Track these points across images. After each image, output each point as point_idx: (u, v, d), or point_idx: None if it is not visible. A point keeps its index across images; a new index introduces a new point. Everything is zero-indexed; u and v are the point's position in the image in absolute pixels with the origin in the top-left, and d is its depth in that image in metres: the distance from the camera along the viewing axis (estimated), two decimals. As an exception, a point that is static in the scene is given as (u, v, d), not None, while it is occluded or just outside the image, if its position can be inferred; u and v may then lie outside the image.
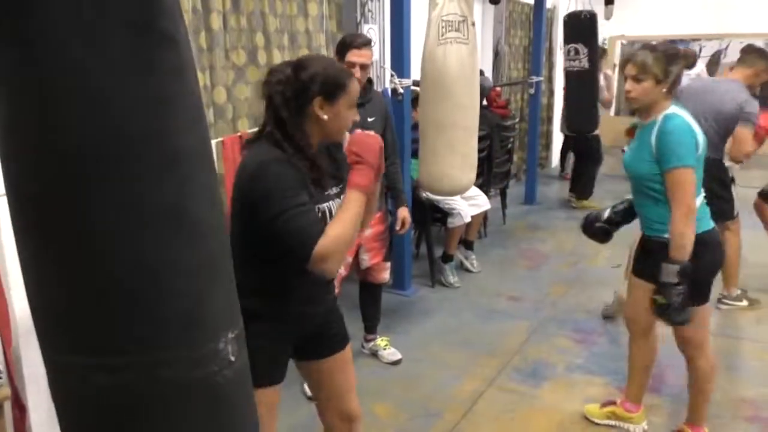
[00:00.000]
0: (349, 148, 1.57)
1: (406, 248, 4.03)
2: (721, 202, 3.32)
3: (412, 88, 3.88)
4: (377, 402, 2.83)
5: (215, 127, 3.16)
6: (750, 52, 3.54)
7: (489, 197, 4.62)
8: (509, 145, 5.68)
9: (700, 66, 9.12)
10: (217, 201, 0.88)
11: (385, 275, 3.13)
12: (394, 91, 3.75)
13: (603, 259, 4.67)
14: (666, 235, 2.13)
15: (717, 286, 3.66)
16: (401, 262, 4.00)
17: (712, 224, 2.24)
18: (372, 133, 1.61)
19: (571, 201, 6.27)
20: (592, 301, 3.89)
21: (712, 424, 2.60)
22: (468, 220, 4.14)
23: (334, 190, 1.68)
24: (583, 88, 5.39)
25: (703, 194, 2.21)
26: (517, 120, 6.24)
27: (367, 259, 2.98)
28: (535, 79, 6.07)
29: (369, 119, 2.81)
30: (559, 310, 3.80)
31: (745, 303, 3.73)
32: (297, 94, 1.57)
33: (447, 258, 4.26)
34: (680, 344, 2.37)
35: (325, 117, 1.58)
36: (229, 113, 3.26)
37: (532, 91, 6.14)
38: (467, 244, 4.52)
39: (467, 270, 4.46)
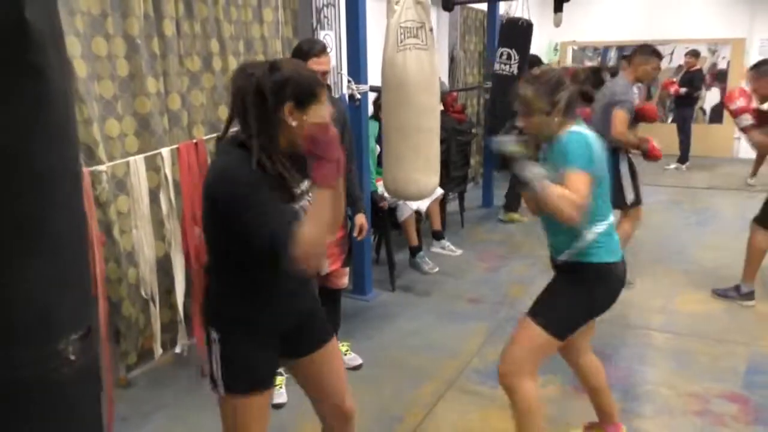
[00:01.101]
0: (305, 145, 1.52)
1: (366, 253, 4.05)
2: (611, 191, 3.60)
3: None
4: (339, 408, 2.83)
5: (170, 134, 3.12)
6: (635, 49, 3.96)
7: (447, 201, 4.67)
8: (466, 150, 5.75)
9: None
10: (78, 216, 0.95)
11: (345, 281, 3.13)
12: (351, 96, 3.77)
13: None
14: (586, 259, 2.04)
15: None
16: (361, 267, 4.01)
17: (615, 259, 2.08)
18: (325, 123, 1.55)
19: (498, 213, 6.05)
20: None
21: (662, 420, 2.69)
22: (414, 208, 4.19)
23: (305, 186, 1.65)
24: (506, 95, 5.47)
25: (610, 221, 2.09)
26: (473, 124, 6.34)
27: (326, 265, 2.97)
28: (490, 84, 6.17)
29: None
30: (517, 311, 3.87)
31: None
32: (269, 95, 1.51)
33: (414, 251, 4.29)
34: (502, 366, 2.12)
35: (294, 123, 1.54)
36: (184, 120, 3.22)
37: (487, 96, 6.24)
38: (436, 235, 4.54)
39: (450, 255, 4.45)
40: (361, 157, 3.81)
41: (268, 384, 1.72)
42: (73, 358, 0.90)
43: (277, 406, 2.83)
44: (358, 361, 3.20)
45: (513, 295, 4.11)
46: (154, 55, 3.01)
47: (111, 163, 2.76)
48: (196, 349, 3.00)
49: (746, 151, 8.98)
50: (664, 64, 9.23)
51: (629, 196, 3.91)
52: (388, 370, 3.16)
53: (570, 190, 1.89)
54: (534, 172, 1.92)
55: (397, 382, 3.04)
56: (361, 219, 3.08)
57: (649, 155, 3.86)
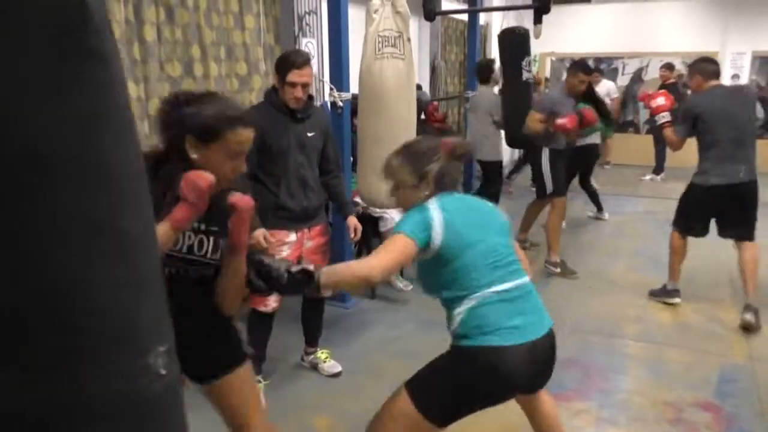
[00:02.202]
0: (180, 185, 1.52)
1: (347, 260, 4.04)
2: (537, 183, 4.79)
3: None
4: (317, 415, 2.82)
5: (151, 140, 3.10)
6: (569, 65, 4.65)
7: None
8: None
9: (625, 81, 9.61)
10: (148, 216, 0.87)
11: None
12: (334, 104, 3.78)
13: (535, 269, 4.83)
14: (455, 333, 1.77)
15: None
16: (341, 274, 4.01)
17: (503, 342, 1.68)
18: (205, 174, 1.53)
19: None
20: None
21: (637, 428, 2.73)
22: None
23: (200, 227, 1.68)
24: (530, 100, 5.53)
25: (489, 294, 1.72)
26: (454, 134, 6.38)
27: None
28: (470, 93, 6.22)
29: (309, 134, 2.82)
30: (495, 319, 3.90)
31: (558, 270, 4.64)
32: (174, 125, 1.57)
33: None
34: None
35: (194, 156, 1.57)
36: (164, 126, 3.20)
37: (468, 105, 6.29)
38: None
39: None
40: (344, 164, 3.82)
41: None
42: (163, 372, 0.84)
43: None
44: (338, 368, 3.19)
45: (492, 304, 4.13)
46: (134, 60, 2.99)
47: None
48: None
49: (719, 162, 9.19)
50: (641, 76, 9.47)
51: (549, 186, 4.57)
52: (368, 378, 3.16)
53: (383, 246, 1.75)
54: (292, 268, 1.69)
55: (376, 390, 3.03)
56: (353, 221, 3.11)
57: (561, 130, 4.32)
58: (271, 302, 2.86)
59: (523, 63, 5.48)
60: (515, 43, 5.53)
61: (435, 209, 1.78)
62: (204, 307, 1.75)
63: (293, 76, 2.66)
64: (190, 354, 1.74)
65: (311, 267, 1.71)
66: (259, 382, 2.93)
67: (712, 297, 4.17)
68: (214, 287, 1.73)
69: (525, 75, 5.51)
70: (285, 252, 2.82)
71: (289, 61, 2.69)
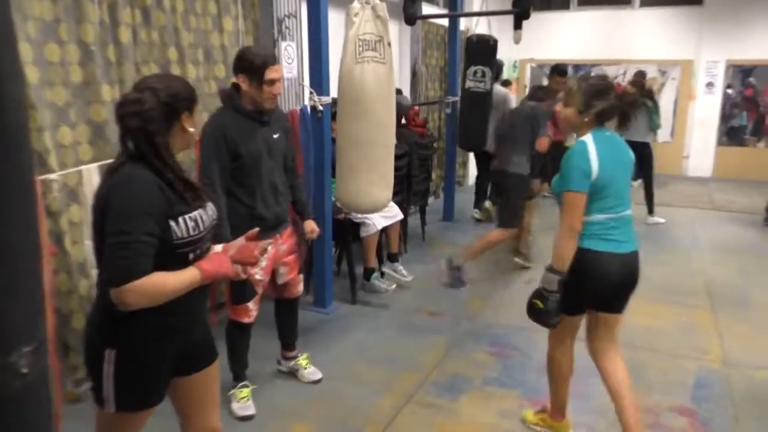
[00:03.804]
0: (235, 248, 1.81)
1: (327, 266, 4.02)
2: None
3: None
4: (296, 421, 2.79)
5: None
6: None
7: (409, 214, 4.65)
8: (428, 163, 5.79)
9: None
10: (31, 227, 0.94)
11: (300, 288, 3.10)
12: (314, 108, 3.75)
13: (517, 275, 4.85)
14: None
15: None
16: (322, 279, 3.98)
17: (607, 248, 2.28)
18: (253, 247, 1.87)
19: (474, 215, 6.53)
20: (506, 316, 4.02)
21: None
22: (379, 228, 4.17)
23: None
24: (480, 111, 5.58)
25: (613, 215, 2.28)
26: (435, 138, 6.38)
27: (284, 274, 2.93)
28: (451, 99, 6.23)
29: (274, 136, 2.75)
30: (476, 324, 3.90)
31: (443, 267, 4.69)
32: (166, 116, 1.62)
33: (368, 272, 4.27)
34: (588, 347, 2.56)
35: (191, 129, 1.70)
36: (140, 129, 3.15)
37: (448, 110, 6.30)
38: (391, 257, 4.55)
39: (399, 280, 4.47)
40: (325, 168, 3.80)
41: (160, 400, 1.75)
42: (24, 371, 0.89)
43: (246, 418, 2.79)
44: (318, 375, 3.16)
45: (473, 309, 4.14)
46: (109, 62, 2.94)
47: (63, 172, 2.67)
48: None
49: (695, 169, 9.34)
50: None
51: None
52: (348, 383, 3.14)
53: (563, 210, 2.24)
54: (553, 283, 2.27)
55: (356, 396, 3.02)
56: (311, 225, 3.07)
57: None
58: (253, 312, 2.83)
59: (470, 72, 5.52)
60: (472, 51, 5.57)
61: (592, 146, 2.22)
62: (205, 293, 1.84)
63: (271, 73, 2.59)
64: (199, 347, 1.83)
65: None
66: (246, 386, 2.90)
67: (688, 303, 4.22)
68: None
69: (469, 83, 5.54)
70: (263, 262, 2.76)
71: (262, 59, 2.59)
